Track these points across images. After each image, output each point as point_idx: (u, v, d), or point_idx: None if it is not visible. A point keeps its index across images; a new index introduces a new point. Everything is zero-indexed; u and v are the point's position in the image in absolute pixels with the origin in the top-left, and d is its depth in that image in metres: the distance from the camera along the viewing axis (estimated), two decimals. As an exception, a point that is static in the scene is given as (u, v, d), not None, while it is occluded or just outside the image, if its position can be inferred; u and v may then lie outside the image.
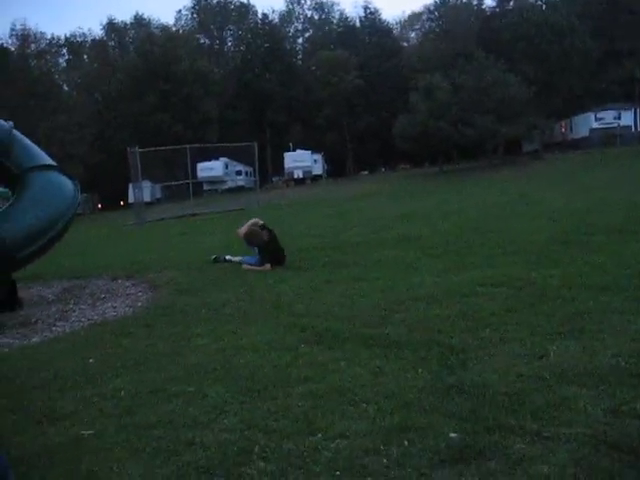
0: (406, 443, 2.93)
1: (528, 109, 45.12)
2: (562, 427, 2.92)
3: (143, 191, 29.77)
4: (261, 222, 9.31)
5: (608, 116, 48.46)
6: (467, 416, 3.14)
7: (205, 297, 7.32)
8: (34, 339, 6.37)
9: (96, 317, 7.11)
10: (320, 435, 3.12)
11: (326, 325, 5.29)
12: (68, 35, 77.05)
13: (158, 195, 52.64)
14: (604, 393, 3.28)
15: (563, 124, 53.87)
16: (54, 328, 6.80)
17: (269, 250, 8.95)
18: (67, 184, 2.82)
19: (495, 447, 2.79)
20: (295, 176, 58.26)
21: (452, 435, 2.95)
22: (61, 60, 77.68)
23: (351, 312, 5.74)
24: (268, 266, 8.76)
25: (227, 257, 9.74)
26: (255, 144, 30.30)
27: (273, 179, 65.91)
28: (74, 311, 7.58)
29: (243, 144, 33.04)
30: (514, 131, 45.44)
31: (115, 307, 7.56)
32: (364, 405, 3.44)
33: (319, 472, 2.76)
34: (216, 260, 9.80)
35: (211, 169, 53.79)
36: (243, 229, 9.19)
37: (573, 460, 2.62)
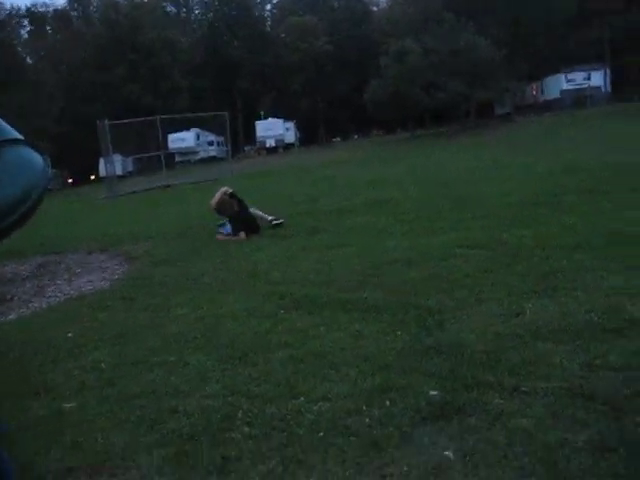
0: (387, 403, 2.98)
1: (499, 72, 45.04)
2: (539, 382, 3.00)
3: (114, 164, 29.40)
4: (230, 190, 9.24)
5: (578, 77, 48.57)
6: (446, 375, 3.20)
7: (182, 267, 7.31)
8: (10, 316, 6.32)
9: (72, 292, 7.07)
10: (302, 398, 3.17)
11: (304, 291, 5.32)
12: (29, 5, 75.21)
13: (130, 168, 51.99)
14: (579, 348, 3.36)
15: (534, 86, 53.98)
16: (30, 304, 6.75)
17: (240, 219, 8.93)
18: (36, 159, 2.80)
19: (474, 403, 2.86)
20: (267, 145, 57.90)
21: (432, 393, 3.01)
22: (23, 32, 75.76)
23: (328, 278, 5.78)
24: (243, 235, 8.75)
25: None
26: (226, 114, 29.97)
27: (245, 148, 65.45)
28: (50, 286, 7.52)
29: (214, 114, 32.70)
30: (486, 94, 45.45)
31: (91, 281, 7.51)
32: (345, 368, 3.48)
33: (303, 434, 2.80)
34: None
35: (183, 140, 53.24)
36: (215, 199, 9.13)
37: (550, 413, 2.70)
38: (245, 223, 8.91)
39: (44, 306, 6.56)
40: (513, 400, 2.85)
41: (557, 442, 2.45)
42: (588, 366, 3.11)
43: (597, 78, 48.96)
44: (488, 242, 6.39)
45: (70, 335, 5.04)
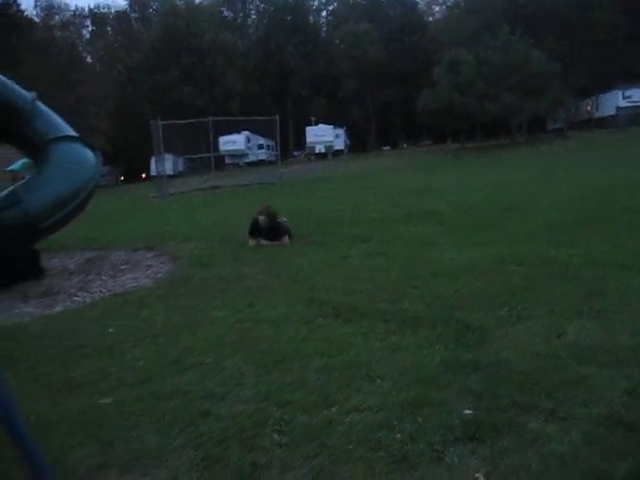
0: (420, 419, 2.93)
1: (553, 86, 44.29)
2: (577, 407, 2.91)
3: (165, 164, 29.82)
4: (268, 206, 9.25)
5: (636, 94, 47.28)
6: (482, 393, 3.13)
7: (224, 270, 7.35)
8: (56, 309, 6.44)
9: (116, 288, 7.17)
10: (334, 409, 3.14)
11: (344, 299, 5.29)
12: (92, 6, 77.05)
13: (180, 168, 52.69)
14: (621, 373, 3.25)
15: (589, 102, 52.88)
16: (75, 298, 6.87)
17: (274, 228, 8.96)
18: (89, 155, 2.83)
19: (509, 425, 2.79)
20: (317, 151, 57.90)
21: (467, 412, 2.94)
22: (84, 32, 77.66)
23: (369, 287, 5.73)
24: (287, 239, 8.78)
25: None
26: (277, 118, 30.11)
27: (295, 153, 65.72)
28: (95, 282, 7.65)
29: (265, 118, 32.90)
30: (539, 108, 44.67)
31: (135, 278, 7.61)
32: (379, 380, 3.44)
33: (332, 445, 2.78)
34: None
35: (233, 142, 53.58)
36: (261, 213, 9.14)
37: (587, 440, 2.61)
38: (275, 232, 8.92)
39: (88, 301, 6.67)
40: (549, 424, 2.77)
41: (593, 471, 2.36)
42: (630, 393, 3.00)
43: (656, 96, 47.55)
44: (535, 258, 6.27)
45: (111, 331, 5.11)
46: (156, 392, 3.64)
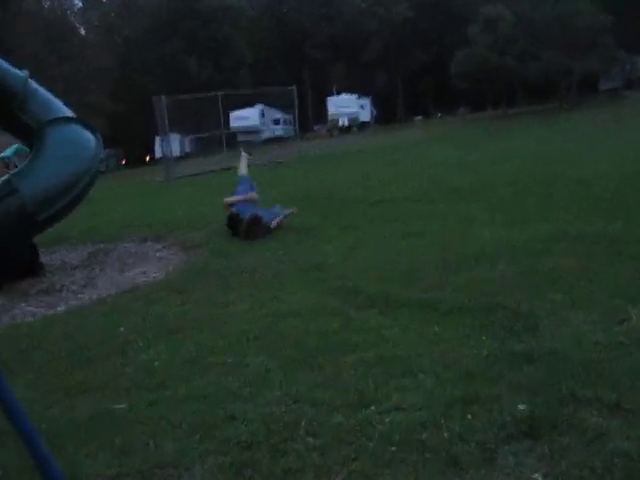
0: (469, 416, 2.94)
1: (605, 40, 43.60)
2: (644, 399, 2.91)
3: (171, 144, 29.90)
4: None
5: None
6: (537, 387, 3.13)
7: (241, 259, 7.40)
8: (59, 308, 6.54)
9: (124, 283, 7.25)
10: (373, 408, 3.16)
11: (376, 288, 5.31)
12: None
13: (187, 149, 52.81)
14: (694, 361, 3.24)
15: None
16: (80, 295, 6.96)
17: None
18: (88, 138, 2.84)
19: (569, 421, 2.79)
20: (340, 124, 57.67)
21: (520, 407, 2.95)
22: (76, 0, 77.81)
23: (404, 273, 5.75)
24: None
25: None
26: (294, 88, 29.99)
27: (315, 127, 65.47)
28: (101, 277, 7.74)
29: (281, 88, 32.82)
30: (589, 66, 44.01)
31: (145, 272, 7.69)
32: (421, 375, 3.46)
33: (373, 448, 2.80)
34: None
35: (246, 118, 53.43)
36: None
37: (656, 435, 2.61)
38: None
39: (94, 298, 6.76)
40: (614, 419, 2.77)
41: (665, 469, 2.37)
42: None
43: None
44: (588, 235, 6.22)
45: (122, 330, 5.19)
46: (173, 396, 3.69)
